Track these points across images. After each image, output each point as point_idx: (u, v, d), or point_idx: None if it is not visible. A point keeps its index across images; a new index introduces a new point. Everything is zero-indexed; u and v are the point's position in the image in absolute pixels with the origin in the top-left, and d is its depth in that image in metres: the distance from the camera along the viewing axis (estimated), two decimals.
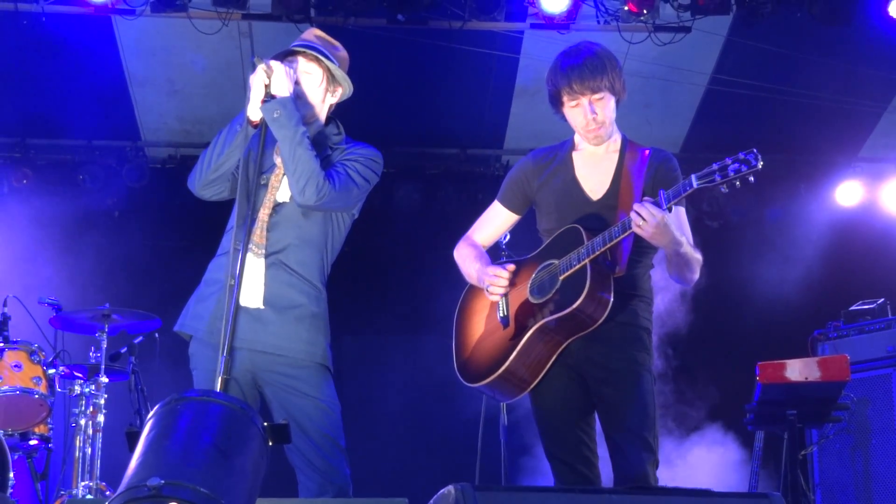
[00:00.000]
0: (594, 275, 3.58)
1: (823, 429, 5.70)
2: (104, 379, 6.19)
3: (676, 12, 7.01)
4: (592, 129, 3.79)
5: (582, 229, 3.68)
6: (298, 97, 3.72)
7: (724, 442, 7.12)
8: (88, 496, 5.88)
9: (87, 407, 6.11)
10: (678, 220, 3.71)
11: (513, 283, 3.82)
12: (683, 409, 7.31)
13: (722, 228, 8.27)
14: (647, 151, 3.85)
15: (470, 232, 4.09)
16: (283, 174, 3.73)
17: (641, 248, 3.74)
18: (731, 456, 7.05)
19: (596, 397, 3.75)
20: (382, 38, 7.16)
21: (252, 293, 3.67)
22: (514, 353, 3.69)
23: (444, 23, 7.08)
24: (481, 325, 3.93)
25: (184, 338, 3.85)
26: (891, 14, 6.90)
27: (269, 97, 3.60)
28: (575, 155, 3.90)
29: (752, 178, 3.43)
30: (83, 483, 5.96)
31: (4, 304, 6.18)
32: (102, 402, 6.16)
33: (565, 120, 3.86)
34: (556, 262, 3.72)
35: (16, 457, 5.75)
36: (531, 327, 3.68)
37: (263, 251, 3.71)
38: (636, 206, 3.51)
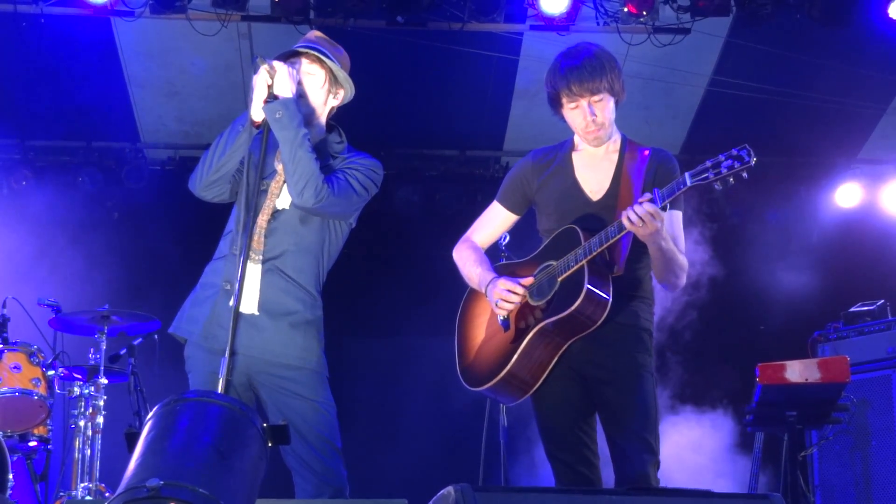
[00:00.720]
0: (592, 276, 3.58)
1: (823, 430, 5.70)
2: (103, 380, 6.20)
3: (676, 14, 7.01)
4: (592, 130, 3.78)
5: (579, 230, 3.68)
6: (300, 98, 3.71)
7: (724, 442, 7.12)
8: (88, 497, 5.88)
9: (86, 408, 6.11)
10: (670, 223, 3.71)
11: None
12: (683, 410, 7.30)
13: (722, 230, 8.26)
14: (646, 151, 3.84)
15: (469, 232, 4.08)
16: (284, 181, 3.72)
17: (642, 249, 3.72)
18: (730, 457, 7.05)
19: (597, 398, 3.75)
20: (382, 40, 7.15)
21: (247, 299, 3.66)
22: (516, 357, 3.68)
23: (443, 24, 7.08)
24: (482, 329, 3.93)
25: (179, 340, 3.85)
26: (890, 15, 6.90)
27: (271, 97, 3.60)
28: (575, 155, 3.90)
29: (745, 175, 3.43)
30: (82, 484, 5.96)
31: (4, 306, 6.18)
32: (101, 403, 6.16)
33: (565, 121, 3.85)
34: (554, 263, 3.72)
35: (15, 458, 5.75)
36: (531, 330, 3.67)
37: (260, 257, 3.70)
38: (630, 208, 3.50)
